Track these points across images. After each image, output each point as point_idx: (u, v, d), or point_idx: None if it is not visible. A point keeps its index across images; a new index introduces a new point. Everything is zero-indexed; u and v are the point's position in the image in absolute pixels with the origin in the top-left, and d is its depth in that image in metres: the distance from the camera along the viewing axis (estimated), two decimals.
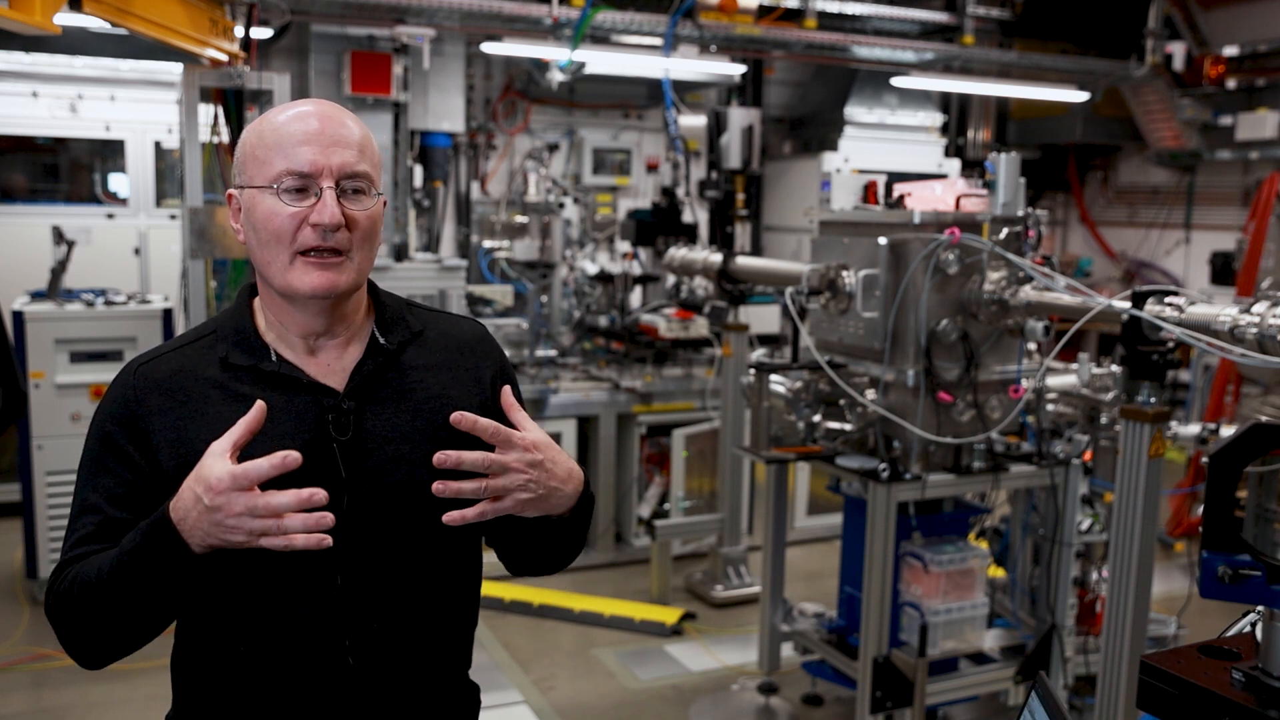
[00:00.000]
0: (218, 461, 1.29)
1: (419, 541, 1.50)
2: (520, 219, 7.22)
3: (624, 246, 6.86)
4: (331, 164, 1.41)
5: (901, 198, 3.65)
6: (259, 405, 1.33)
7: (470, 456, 1.36)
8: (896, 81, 7.57)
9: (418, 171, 7.03)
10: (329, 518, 1.30)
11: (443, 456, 1.36)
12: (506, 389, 1.47)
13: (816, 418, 3.65)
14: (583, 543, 1.61)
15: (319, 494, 1.29)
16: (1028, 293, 3.29)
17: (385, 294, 1.60)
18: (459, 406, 1.50)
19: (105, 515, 1.42)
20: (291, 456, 1.28)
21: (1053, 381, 3.74)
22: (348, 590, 1.46)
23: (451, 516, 1.37)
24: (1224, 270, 7.83)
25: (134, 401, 1.45)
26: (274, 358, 1.48)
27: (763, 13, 6.71)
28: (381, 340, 1.53)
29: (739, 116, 6.76)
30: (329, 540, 1.30)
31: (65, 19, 3.11)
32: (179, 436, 1.43)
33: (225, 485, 1.27)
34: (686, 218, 6.23)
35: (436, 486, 1.36)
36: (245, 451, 1.39)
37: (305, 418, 1.45)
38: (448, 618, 1.59)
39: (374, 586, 1.47)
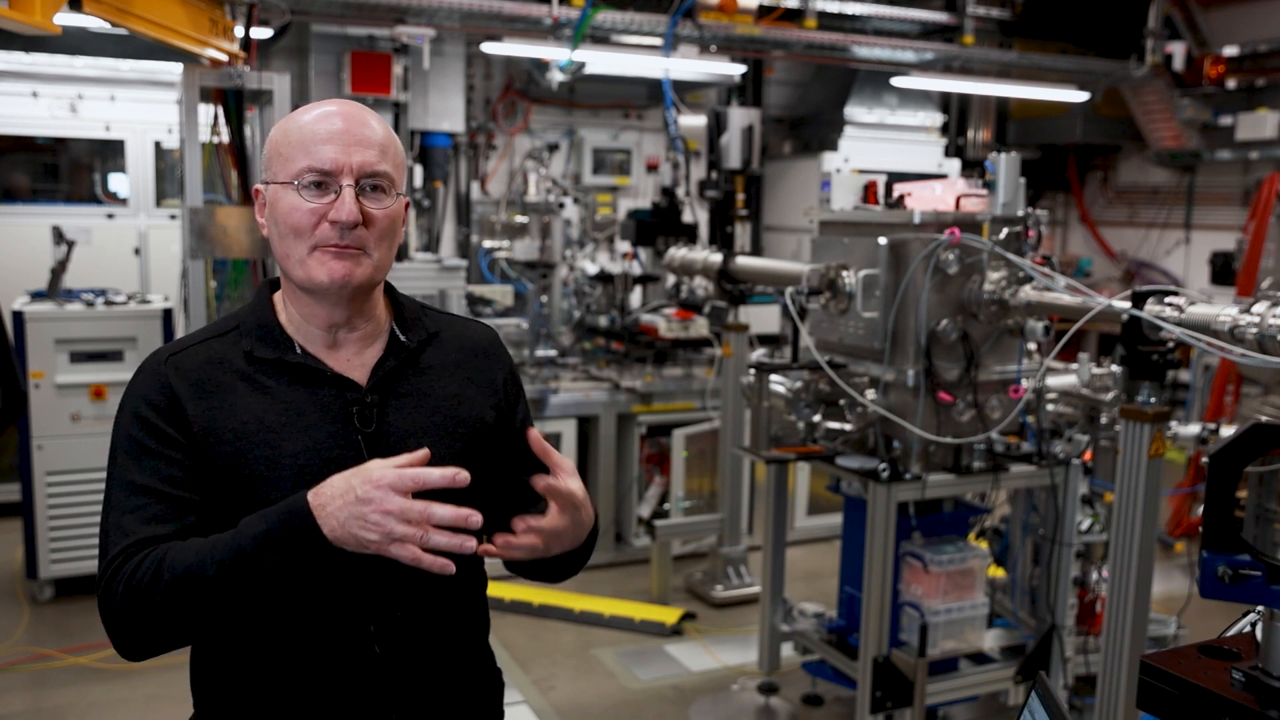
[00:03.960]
0: (385, 464, 1.32)
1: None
2: (520, 219, 7.23)
3: (624, 246, 6.86)
4: (352, 162, 1.44)
5: (901, 198, 3.65)
6: (423, 453, 1.36)
7: (520, 543, 1.43)
8: (896, 81, 7.57)
9: (418, 171, 7.03)
10: (471, 542, 1.32)
11: (485, 550, 1.41)
12: (533, 431, 1.47)
13: (816, 418, 3.65)
14: (585, 561, 1.64)
15: (475, 516, 1.31)
16: (1028, 293, 3.29)
17: (403, 296, 1.64)
18: (474, 407, 1.58)
19: (165, 493, 1.42)
20: (462, 475, 1.31)
21: (1053, 381, 3.74)
22: (373, 579, 1.47)
23: (481, 550, 1.40)
24: (1224, 270, 7.84)
25: (167, 388, 1.47)
26: (298, 350, 1.51)
27: (763, 13, 6.71)
28: (402, 338, 1.57)
29: (739, 116, 6.76)
30: (453, 568, 1.32)
31: (65, 19, 3.11)
32: (207, 427, 1.45)
33: (388, 481, 1.29)
34: (686, 218, 6.23)
35: (481, 550, 1.41)
36: (271, 443, 1.43)
37: (330, 410, 1.49)
38: (467, 606, 1.62)
39: (398, 575, 1.48)
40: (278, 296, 1.57)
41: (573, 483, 1.44)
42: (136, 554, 1.37)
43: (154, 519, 1.40)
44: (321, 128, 1.45)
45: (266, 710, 1.49)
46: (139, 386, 1.49)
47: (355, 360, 1.53)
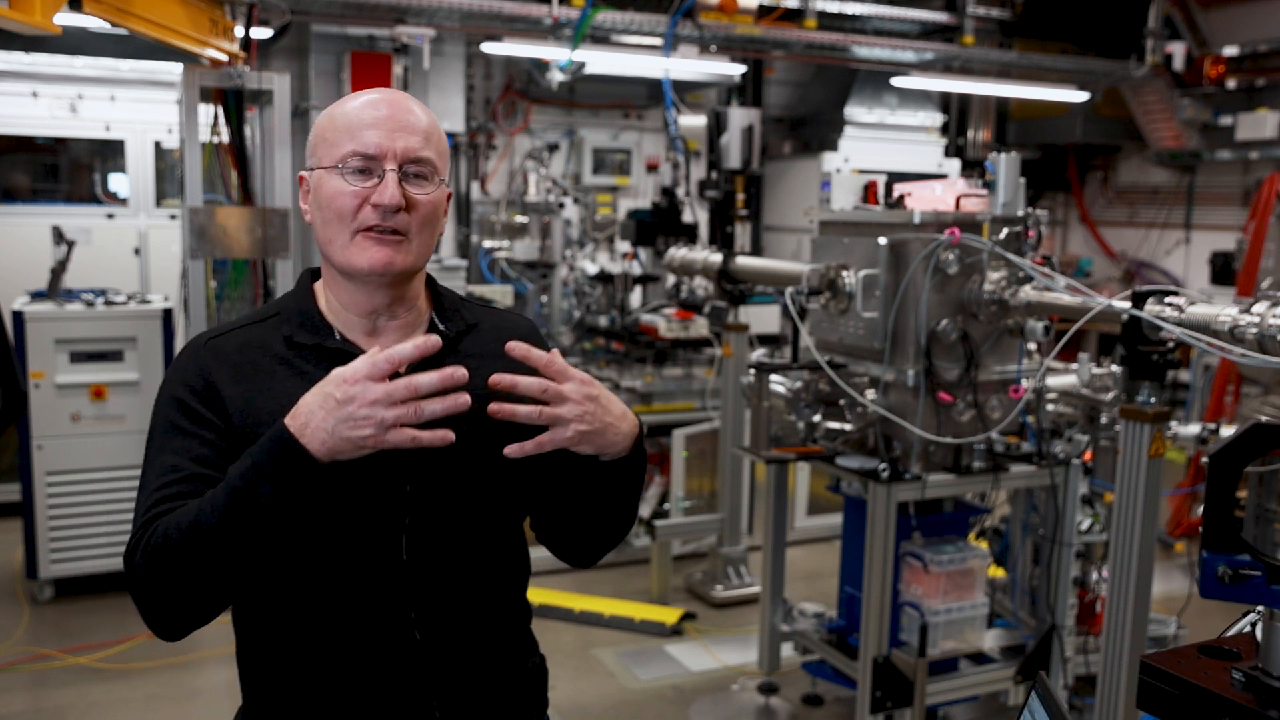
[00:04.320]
0: (349, 365, 1.31)
1: (477, 519, 1.53)
2: (520, 219, 7.23)
3: (624, 246, 6.87)
4: (396, 147, 1.45)
5: (901, 198, 3.65)
6: (377, 349, 1.35)
7: (525, 381, 1.37)
8: (896, 81, 7.57)
9: None
10: (465, 398, 1.31)
11: (497, 379, 1.36)
12: (556, 351, 1.47)
13: (816, 418, 3.65)
14: (636, 504, 1.60)
15: (460, 371, 1.31)
16: (1028, 293, 3.29)
17: (442, 287, 1.64)
18: (513, 396, 1.53)
19: (191, 472, 1.41)
20: (433, 340, 1.32)
21: (1053, 381, 3.74)
22: (413, 566, 1.48)
23: (511, 449, 1.39)
24: (1224, 270, 7.84)
25: (206, 370, 1.48)
26: (338, 337, 1.51)
27: (763, 13, 6.71)
28: (441, 327, 1.57)
29: (739, 116, 6.76)
30: (452, 436, 1.31)
31: (65, 19, 3.11)
32: (246, 408, 1.45)
33: (362, 373, 1.29)
34: (686, 218, 6.23)
35: (492, 408, 1.37)
36: None
37: None
38: (508, 593, 1.62)
39: (438, 562, 1.50)
40: (318, 285, 1.58)
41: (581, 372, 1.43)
42: (153, 524, 1.38)
43: (179, 495, 1.40)
44: (367, 114, 1.46)
45: (311, 697, 1.50)
46: (177, 370, 1.50)
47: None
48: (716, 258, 4.75)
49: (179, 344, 5.07)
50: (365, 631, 1.47)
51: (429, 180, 1.48)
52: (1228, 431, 3.61)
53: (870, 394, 3.51)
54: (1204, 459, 1.91)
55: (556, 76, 6.54)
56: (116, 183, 6.64)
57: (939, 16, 7.57)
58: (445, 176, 1.52)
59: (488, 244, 7.41)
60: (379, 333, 1.53)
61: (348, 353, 1.49)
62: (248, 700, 1.58)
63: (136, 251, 6.48)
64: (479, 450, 1.48)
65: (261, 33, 5.24)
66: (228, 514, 1.32)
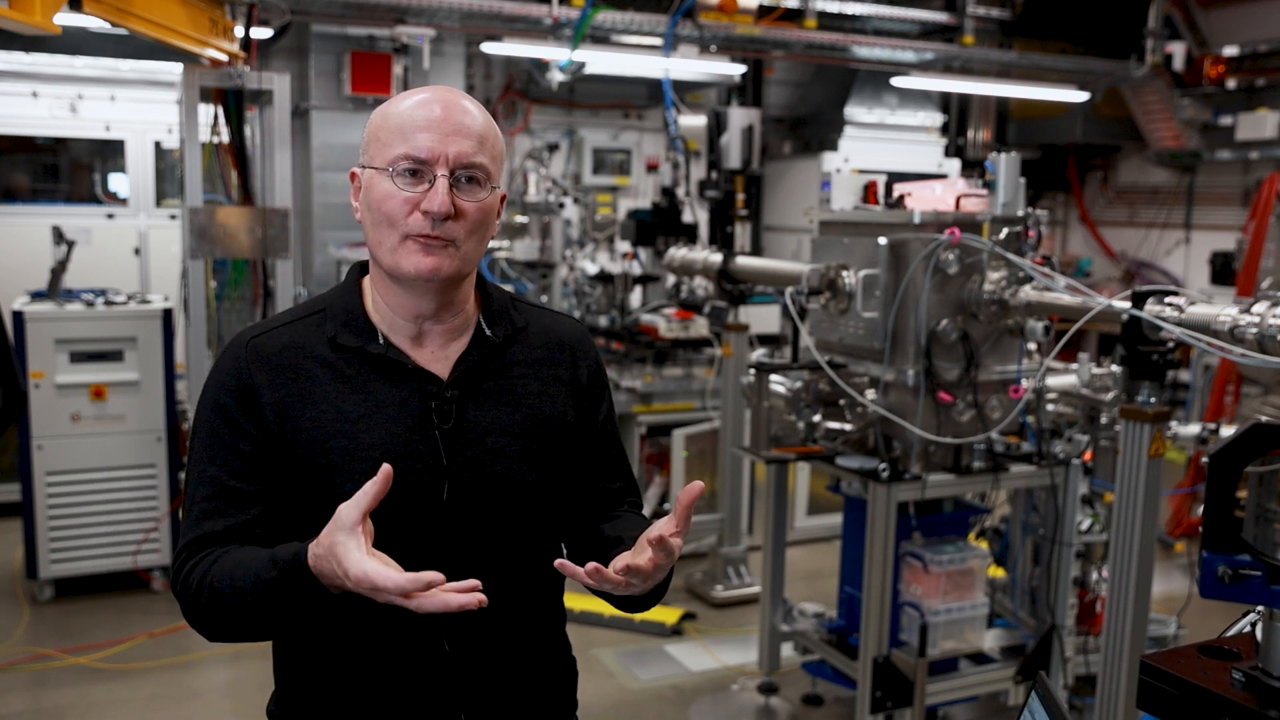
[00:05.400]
0: (352, 550, 1.26)
1: (514, 531, 1.53)
2: (520, 219, 7.22)
3: (624, 246, 6.86)
4: (448, 152, 1.42)
5: (901, 198, 3.65)
6: (385, 471, 1.29)
7: (612, 578, 1.36)
8: (896, 81, 7.57)
9: None
10: (480, 597, 1.28)
11: (569, 569, 1.36)
12: (694, 489, 1.37)
13: (816, 418, 3.65)
14: (661, 597, 1.58)
15: (481, 599, 1.28)
16: (1028, 293, 3.29)
17: (493, 287, 1.63)
18: (556, 404, 1.57)
19: (226, 486, 1.44)
20: (479, 597, 1.28)
21: (1053, 381, 3.74)
22: (445, 577, 1.47)
23: (559, 565, 1.37)
24: (1224, 270, 7.84)
25: (245, 374, 1.47)
26: (381, 341, 1.50)
27: (763, 13, 6.72)
28: (487, 332, 1.55)
29: (739, 116, 6.75)
30: (485, 601, 1.29)
31: (65, 19, 3.11)
32: (285, 413, 1.45)
33: (366, 589, 1.27)
34: (686, 218, 6.22)
35: (558, 564, 1.37)
36: (349, 434, 1.42)
37: (409, 404, 1.48)
38: (543, 602, 1.62)
39: (470, 573, 1.47)
40: (366, 282, 1.56)
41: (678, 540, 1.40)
42: (195, 555, 1.42)
43: (216, 512, 1.43)
44: (420, 114, 1.43)
45: (340, 700, 1.51)
46: (219, 373, 1.50)
47: (439, 353, 1.52)
48: (716, 258, 4.75)
49: (179, 344, 5.07)
50: (394, 641, 1.48)
51: (481, 186, 1.45)
52: (1228, 431, 3.61)
53: (870, 394, 3.50)
54: (1204, 459, 1.91)
55: (556, 76, 6.54)
56: (116, 183, 6.64)
57: (939, 16, 7.58)
58: (499, 181, 1.49)
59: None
60: (424, 336, 1.52)
61: (389, 359, 1.49)
62: (280, 691, 1.59)
63: (136, 251, 6.48)
64: (515, 472, 1.48)
65: (261, 33, 5.24)
66: (251, 600, 1.36)
